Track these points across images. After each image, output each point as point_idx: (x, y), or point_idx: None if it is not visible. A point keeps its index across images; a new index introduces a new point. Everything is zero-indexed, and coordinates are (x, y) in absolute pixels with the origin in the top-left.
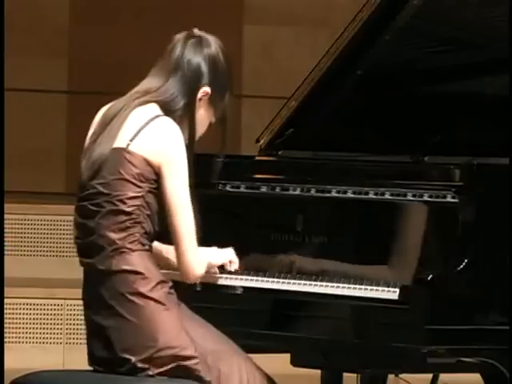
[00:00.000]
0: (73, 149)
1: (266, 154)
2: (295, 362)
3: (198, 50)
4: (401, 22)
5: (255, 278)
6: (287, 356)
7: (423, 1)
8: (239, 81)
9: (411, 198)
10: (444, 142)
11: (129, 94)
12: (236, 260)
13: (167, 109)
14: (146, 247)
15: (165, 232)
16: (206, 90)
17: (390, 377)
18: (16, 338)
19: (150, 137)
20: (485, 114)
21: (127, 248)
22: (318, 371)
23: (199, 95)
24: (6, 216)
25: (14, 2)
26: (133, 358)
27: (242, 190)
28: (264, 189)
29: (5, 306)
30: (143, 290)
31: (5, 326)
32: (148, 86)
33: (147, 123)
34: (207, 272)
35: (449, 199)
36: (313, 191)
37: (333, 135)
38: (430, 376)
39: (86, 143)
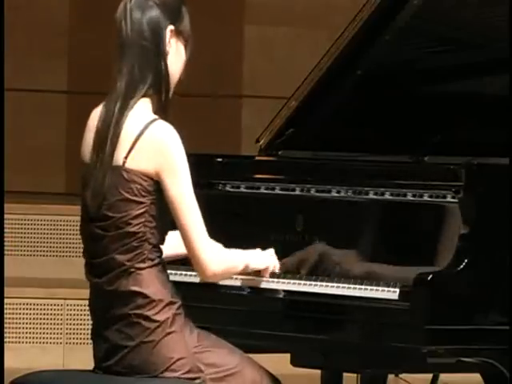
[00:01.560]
0: (73, 149)
1: (266, 153)
2: (295, 362)
3: (142, 9)
4: (401, 22)
5: (255, 277)
6: (287, 356)
7: (423, 1)
8: (239, 81)
9: (411, 198)
10: (444, 142)
11: (114, 96)
12: (278, 265)
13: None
14: (156, 261)
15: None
16: (170, 28)
17: (390, 377)
18: (16, 337)
19: (145, 149)
20: (485, 114)
21: (136, 267)
22: (318, 371)
23: (167, 39)
24: (6, 216)
25: (14, 2)
26: (136, 376)
27: (242, 189)
28: (264, 189)
29: (5, 306)
30: (149, 313)
31: (5, 325)
32: (125, 84)
33: (141, 132)
34: (247, 274)
35: (449, 199)
36: (313, 191)
37: (333, 135)
38: (430, 376)
39: (84, 157)
